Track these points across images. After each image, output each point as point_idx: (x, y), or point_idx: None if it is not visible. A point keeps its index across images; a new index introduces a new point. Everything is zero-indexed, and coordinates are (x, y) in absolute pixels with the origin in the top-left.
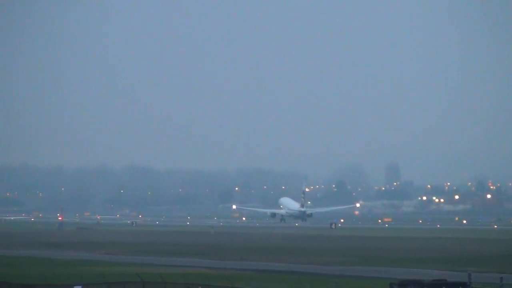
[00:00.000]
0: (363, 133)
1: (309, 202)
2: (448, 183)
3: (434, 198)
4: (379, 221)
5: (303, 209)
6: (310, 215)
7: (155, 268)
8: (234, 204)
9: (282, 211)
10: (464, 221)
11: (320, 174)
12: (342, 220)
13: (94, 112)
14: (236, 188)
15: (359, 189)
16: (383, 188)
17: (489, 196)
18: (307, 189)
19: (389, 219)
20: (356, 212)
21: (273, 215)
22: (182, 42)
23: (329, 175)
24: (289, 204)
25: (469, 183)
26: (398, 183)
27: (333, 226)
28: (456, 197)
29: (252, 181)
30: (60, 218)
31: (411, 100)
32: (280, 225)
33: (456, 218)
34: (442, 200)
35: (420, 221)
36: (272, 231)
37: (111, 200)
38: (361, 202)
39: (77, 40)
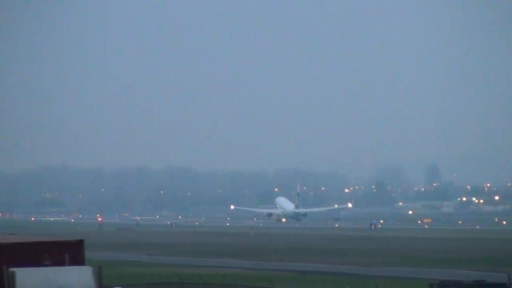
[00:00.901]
0: (403, 133)
1: (350, 205)
2: (488, 184)
3: (473, 199)
4: (419, 222)
5: (297, 210)
6: (305, 214)
7: (194, 269)
8: (232, 206)
9: (278, 211)
10: (504, 222)
11: (360, 175)
12: (381, 221)
13: (134, 113)
14: (276, 189)
15: (399, 190)
16: (423, 189)
17: None
18: (347, 190)
19: (429, 220)
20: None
21: (269, 215)
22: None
23: (369, 176)
24: (284, 204)
25: (509, 184)
26: (438, 184)
27: (372, 227)
28: (496, 197)
29: (291, 182)
30: (100, 219)
31: (450, 101)
32: (319, 226)
33: (496, 219)
34: (482, 201)
35: (460, 222)
36: (312, 232)
37: (151, 201)
38: (400, 203)
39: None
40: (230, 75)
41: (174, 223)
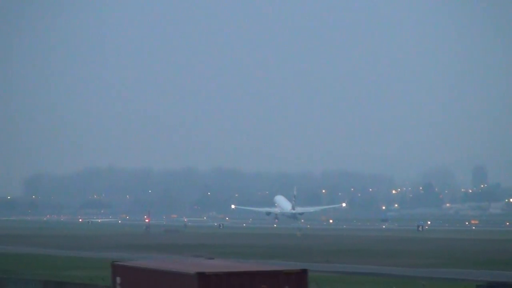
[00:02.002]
0: (451, 135)
1: (396, 205)
2: None
3: None
4: (466, 223)
5: (294, 211)
6: (302, 214)
7: None
8: (232, 205)
9: (277, 210)
10: None
11: (407, 176)
12: (429, 222)
13: (182, 115)
14: (323, 191)
15: (446, 191)
16: (470, 190)
17: None
18: (394, 191)
19: (476, 221)
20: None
21: (268, 213)
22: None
23: (416, 178)
24: (282, 204)
25: None
26: (485, 185)
27: (420, 228)
28: None
29: (338, 183)
30: (147, 221)
31: (498, 102)
32: (365, 228)
33: None
34: None
35: (507, 223)
36: (359, 234)
37: (198, 202)
38: (448, 204)
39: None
40: (274, 76)
41: (221, 225)
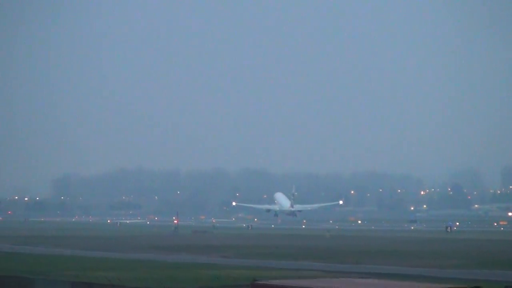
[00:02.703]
0: (480, 136)
1: (424, 206)
2: None
3: None
4: (495, 224)
5: (292, 209)
6: (300, 211)
7: (270, 272)
8: (234, 202)
9: (276, 207)
10: None
11: (436, 177)
12: (457, 223)
13: (210, 116)
14: (352, 192)
15: (475, 193)
16: (499, 192)
17: None
18: (422, 192)
19: (505, 222)
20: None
21: (268, 210)
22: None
23: (445, 179)
24: (281, 201)
25: None
26: None
27: (448, 229)
28: None
29: (367, 184)
30: (175, 222)
31: None
32: (394, 228)
33: None
34: None
35: None
36: (388, 234)
37: (226, 203)
38: (476, 205)
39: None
40: (300, 76)
41: (250, 226)
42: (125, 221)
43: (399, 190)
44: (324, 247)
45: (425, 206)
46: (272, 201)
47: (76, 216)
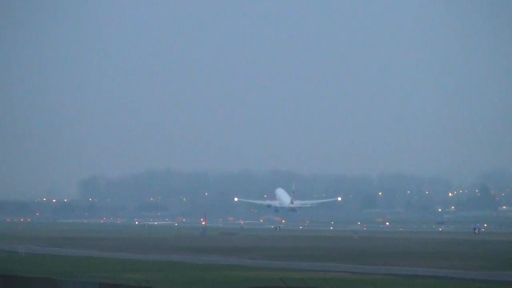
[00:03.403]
0: (507, 137)
1: (452, 207)
2: None
3: None
4: None
5: (292, 205)
6: (300, 207)
7: (298, 273)
8: (236, 198)
9: (277, 203)
10: None
11: (463, 179)
12: (485, 225)
13: (238, 118)
14: (380, 193)
15: (503, 194)
16: None
17: None
18: (450, 194)
19: None
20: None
21: (269, 206)
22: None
23: (472, 180)
24: (282, 197)
25: None
26: None
27: (476, 231)
28: None
29: (395, 186)
30: (203, 223)
31: None
32: (422, 230)
33: None
34: None
35: None
36: (416, 236)
37: (255, 204)
38: (504, 207)
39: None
40: (328, 78)
41: (278, 227)
42: (153, 222)
43: (427, 192)
44: (352, 248)
45: (453, 207)
46: (273, 196)
47: (104, 217)
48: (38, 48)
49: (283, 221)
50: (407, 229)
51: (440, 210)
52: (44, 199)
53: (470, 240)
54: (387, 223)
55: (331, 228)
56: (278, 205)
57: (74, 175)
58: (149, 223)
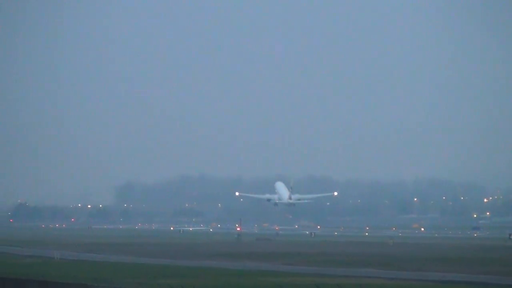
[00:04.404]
0: None
1: (487, 213)
2: None
3: None
4: None
5: (291, 201)
6: (299, 200)
7: (333, 279)
8: (237, 193)
9: (276, 197)
10: None
11: (498, 184)
12: None
13: (272, 123)
14: (415, 199)
15: None
16: None
17: None
18: (485, 200)
19: None
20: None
21: (269, 200)
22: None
23: (508, 186)
24: (281, 191)
25: None
26: None
27: (511, 237)
28: None
29: (430, 192)
30: (238, 229)
31: None
32: (457, 236)
33: None
34: None
35: None
36: (451, 242)
37: (289, 210)
38: None
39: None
40: (363, 82)
41: (313, 233)
42: (188, 228)
43: (462, 198)
44: (388, 254)
45: (488, 213)
46: (273, 190)
47: (139, 223)
48: (72, 56)
49: (318, 227)
50: (442, 235)
51: (475, 216)
52: (79, 205)
53: (505, 246)
54: (422, 229)
55: (366, 234)
56: (277, 200)
57: (109, 181)
58: (184, 228)
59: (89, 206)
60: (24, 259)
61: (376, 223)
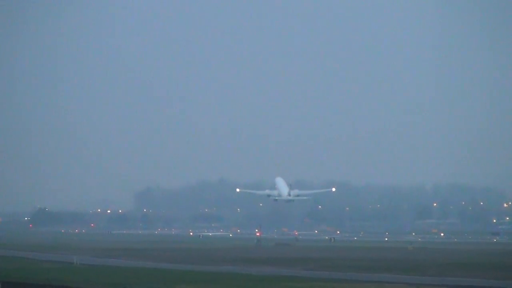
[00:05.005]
0: None
1: (507, 218)
2: None
3: None
4: None
5: (290, 197)
6: (298, 195)
7: (353, 284)
8: (237, 189)
9: (276, 193)
10: None
11: None
12: None
13: (291, 129)
14: (434, 204)
15: None
16: None
17: None
18: (505, 205)
19: None
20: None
21: (268, 196)
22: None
23: None
24: (281, 186)
25: None
26: None
27: None
28: None
29: (449, 196)
30: (258, 234)
31: None
32: (476, 241)
33: None
34: None
35: None
36: (470, 247)
37: (309, 215)
38: None
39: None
40: (385, 88)
41: (332, 238)
42: (208, 233)
43: (481, 203)
44: (407, 259)
45: (507, 218)
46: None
47: (158, 228)
48: (92, 64)
49: (338, 232)
50: (461, 240)
51: (494, 221)
52: (99, 210)
53: None
54: (442, 234)
55: (386, 239)
56: (276, 195)
57: (129, 186)
58: (204, 234)
59: (108, 211)
60: (43, 264)
61: (396, 228)
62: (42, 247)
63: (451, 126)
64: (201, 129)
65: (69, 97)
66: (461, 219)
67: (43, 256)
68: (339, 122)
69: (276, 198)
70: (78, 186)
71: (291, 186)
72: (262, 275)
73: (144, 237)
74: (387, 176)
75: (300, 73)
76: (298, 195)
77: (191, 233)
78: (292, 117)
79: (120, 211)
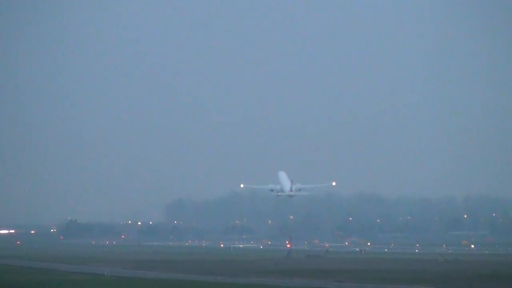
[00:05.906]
0: None
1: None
2: None
3: None
4: None
5: (292, 193)
6: (300, 189)
7: None
8: (242, 185)
9: (278, 187)
10: None
11: None
12: None
13: (324, 138)
14: (465, 216)
15: None
16: None
17: None
18: None
19: None
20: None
21: (271, 190)
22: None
23: None
24: (283, 181)
25: None
26: None
27: None
28: None
29: (480, 208)
30: (288, 246)
31: None
32: (507, 253)
33: None
34: None
35: None
36: (500, 259)
37: (340, 227)
38: None
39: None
40: (414, 96)
41: (363, 250)
42: (238, 245)
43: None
44: (437, 271)
45: None
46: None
47: (189, 240)
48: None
49: (369, 243)
50: (492, 252)
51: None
52: (130, 222)
53: None
54: (472, 246)
55: (416, 250)
56: (279, 190)
57: (159, 198)
58: (235, 245)
59: (139, 223)
60: (74, 276)
61: (426, 240)
62: (73, 258)
63: (483, 138)
64: (232, 141)
65: (102, 112)
66: (492, 231)
67: (74, 268)
68: (370, 135)
69: (279, 193)
70: (109, 198)
71: (293, 181)
72: (292, 287)
73: (175, 249)
74: (418, 188)
75: (328, 87)
76: (299, 190)
77: (222, 245)
78: (322, 129)
79: (150, 222)
